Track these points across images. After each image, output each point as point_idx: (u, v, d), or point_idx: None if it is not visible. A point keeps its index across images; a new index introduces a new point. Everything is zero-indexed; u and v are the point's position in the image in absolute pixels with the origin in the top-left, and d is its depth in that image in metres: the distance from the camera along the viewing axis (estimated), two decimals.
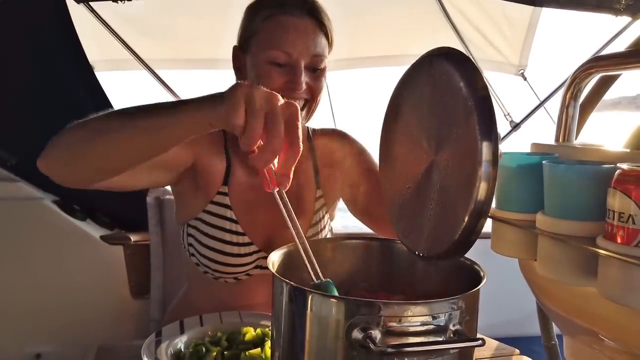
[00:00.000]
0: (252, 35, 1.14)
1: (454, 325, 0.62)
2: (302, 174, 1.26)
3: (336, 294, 0.74)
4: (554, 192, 0.68)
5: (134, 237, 1.93)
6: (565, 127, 1.09)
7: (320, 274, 0.76)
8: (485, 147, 0.62)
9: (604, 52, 2.65)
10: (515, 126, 3.01)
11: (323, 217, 1.28)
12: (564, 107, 1.09)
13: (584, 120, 1.29)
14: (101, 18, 2.41)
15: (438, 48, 0.72)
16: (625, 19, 2.47)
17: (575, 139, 1.12)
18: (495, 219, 0.78)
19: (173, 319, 1.08)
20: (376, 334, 0.58)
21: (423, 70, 0.75)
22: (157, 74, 2.67)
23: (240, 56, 1.19)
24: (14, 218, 1.90)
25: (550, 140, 1.13)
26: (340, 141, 1.33)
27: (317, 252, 0.86)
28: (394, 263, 0.86)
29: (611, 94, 1.38)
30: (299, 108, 0.73)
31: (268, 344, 0.93)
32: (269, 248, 1.18)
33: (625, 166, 0.57)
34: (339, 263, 0.86)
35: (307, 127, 1.32)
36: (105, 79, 2.26)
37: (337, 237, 1.26)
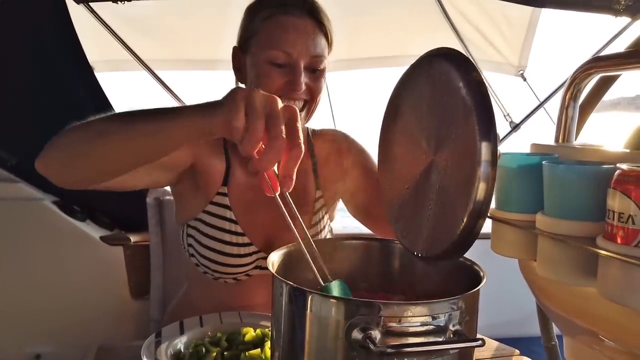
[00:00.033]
0: (252, 35, 1.14)
1: (453, 326, 0.61)
2: (301, 175, 1.26)
3: (349, 293, 0.74)
4: (554, 193, 0.68)
5: (133, 238, 1.93)
6: (565, 128, 1.09)
7: (328, 275, 0.76)
8: (484, 148, 0.62)
9: (603, 53, 2.65)
10: (515, 127, 3.01)
11: (323, 217, 1.28)
12: (564, 107, 1.09)
13: (583, 120, 1.29)
14: (101, 19, 2.41)
15: (437, 48, 0.72)
16: (624, 20, 2.48)
17: (575, 140, 1.12)
18: (495, 219, 0.78)
19: (173, 319, 1.08)
20: (376, 334, 0.58)
21: (422, 71, 0.75)
22: (156, 75, 2.67)
23: (240, 56, 1.19)
24: (13, 218, 1.90)
25: (550, 141, 1.13)
26: (340, 142, 1.33)
27: (318, 253, 0.87)
28: (393, 263, 0.86)
29: (610, 94, 1.38)
30: (297, 110, 0.73)
31: (268, 344, 0.93)
32: (269, 248, 1.18)
33: (625, 166, 0.57)
34: (338, 263, 0.86)
35: (307, 128, 1.32)
36: (105, 79, 2.26)
37: (337, 237, 1.26)
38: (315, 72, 1.14)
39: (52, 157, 0.89)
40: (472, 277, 0.71)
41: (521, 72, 3.13)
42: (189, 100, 2.67)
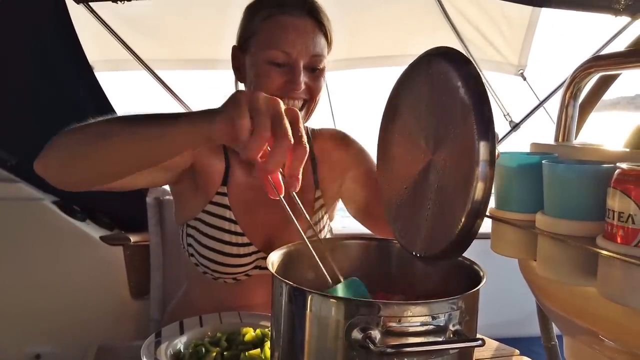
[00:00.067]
0: (252, 35, 1.14)
1: (453, 326, 0.61)
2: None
3: (365, 291, 0.73)
4: (554, 192, 0.68)
5: (133, 238, 1.93)
6: (564, 127, 1.09)
7: (339, 275, 0.75)
8: (483, 147, 0.61)
9: (603, 52, 2.65)
10: (515, 126, 3.01)
11: (322, 217, 1.28)
12: (564, 106, 1.09)
13: (583, 120, 1.29)
14: (101, 18, 2.41)
15: (436, 48, 0.72)
16: (624, 19, 2.47)
17: (575, 139, 1.12)
18: (495, 219, 0.78)
19: (173, 319, 1.08)
20: (376, 334, 0.58)
21: (421, 70, 0.75)
22: (156, 74, 2.67)
23: (240, 56, 1.19)
24: (13, 218, 1.89)
25: (550, 140, 1.13)
26: (339, 141, 1.32)
27: (317, 253, 0.86)
28: (393, 263, 0.86)
29: (610, 94, 1.38)
30: (299, 112, 0.73)
31: (268, 344, 0.93)
32: (269, 248, 1.18)
33: (624, 166, 0.57)
34: (338, 263, 0.86)
35: (307, 128, 1.31)
36: (105, 79, 2.26)
37: (337, 237, 1.26)
38: (315, 71, 1.14)
39: (52, 158, 0.88)
40: (472, 277, 0.71)
41: (521, 71, 3.13)
42: (189, 100, 2.68)
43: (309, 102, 1.16)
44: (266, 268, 0.73)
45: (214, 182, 1.20)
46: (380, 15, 2.94)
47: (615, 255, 0.56)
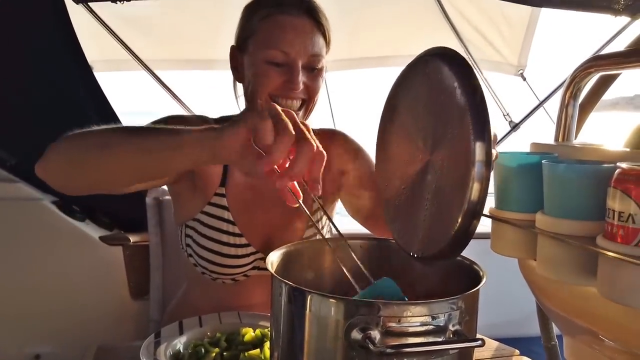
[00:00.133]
0: (250, 35, 1.14)
1: (453, 326, 0.61)
2: None
3: (399, 291, 0.73)
4: (554, 192, 0.68)
5: (133, 238, 1.93)
6: (564, 127, 1.09)
7: (368, 275, 0.75)
8: (479, 148, 0.61)
9: (603, 52, 2.65)
10: (515, 126, 3.01)
11: (321, 217, 1.28)
12: (564, 106, 1.09)
13: (583, 120, 1.29)
14: (100, 19, 2.41)
15: (433, 48, 0.72)
16: (624, 19, 2.47)
17: (575, 139, 1.12)
18: (495, 218, 0.78)
19: (172, 320, 1.08)
20: (375, 334, 0.58)
21: (419, 70, 0.75)
22: (155, 74, 2.67)
23: (238, 56, 1.19)
24: (12, 219, 1.89)
25: (550, 140, 1.13)
26: (338, 141, 1.32)
27: (316, 252, 0.86)
28: (393, 263, 0.86)
29: (609, 94, 1.38)
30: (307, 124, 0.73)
31: (267, 344, 0.93)
32: (267, 249, 1.18)
33: (625, 165, 0.57)
34: (338, 263, 0.86)
35: None
36: (104, 79, 2.26)
37: (336, 237, 1.25)
38: (313, 71, 1.14)
39: (52, 162, 0.89)
40: (471, 276, 0.71)
41: (521, 71, 3.13)
42: (188, 100, 2.68)
43: (308, 102, 1.16)
44: (264, 268, 0.73)
45: (212, 183, 1.20)
46: (380, 16, 2.94)
47: (615, 255, 0.56)
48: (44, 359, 1.93)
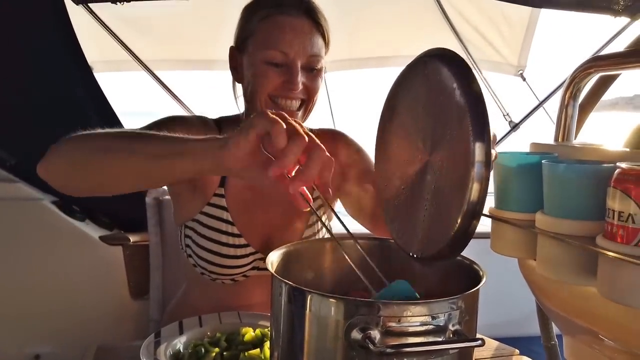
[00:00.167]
0: (249, 35, 1.14)
1: (453, 326, 0.61)
2: None
3: (413, 291, 0.73)
4: (554, 192, 0.68)
5: (133, 238, 1.93)
6: (564, 127, 1.10)
7: (382, 277, 0.75)
8: (478, 148, 0.61)
9: (602, 52, 2.65)
10: (515, 126, 3.01)
11: (321, 217, 1.28)
12: (563, 106, 1.09)
13: (583, 120, 1.30)
14: (100, 19, 2.41)
15: (432, 49, 0.72)
16: (624, 20, 2.48)
17: (575, 139, 1.12)
18: (494, 218, 0.78)
19: (172, 320, 1.08)
20: (375, 334, 0.58)
21: (418, 71, 0.75)
22: (155, 75, 2.67)
23: (237, 56, 1.19)
24: (12, 218, 1.89)
25: (550, 140, 1.13)
26: (337, 141, 1.32)
27: (316, 252, 0.86)
28: (393, 263, 0.86)
29: (609, 94, 1.38)
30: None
31: (267, 344, 0.93)
32: (266, 249, 1.18)
33: (624, 165, 0.57)
34: (338, 263, 0.86)
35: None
36: (104, 79, 2.26)
37: (336, 237, 1.25)
38: (313, 71, 1.14)
39: (53, 164, 0.89)
40: (471, 276, 0.71)
41: (520, 71, 3.13)
42: (187, 100, 2.68)
43: (307, 102, 1.16)
44: (264, 269, 0.73)
45: (211, 183, 1.20)
46: (379, 16, 2.94)
47: (615, 254, 0.56)
48: (43, 358, 1.93)
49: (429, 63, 0.72)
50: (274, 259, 0.76)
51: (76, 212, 1.94)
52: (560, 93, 1.12)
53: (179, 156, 0.76)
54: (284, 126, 0.69)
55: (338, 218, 0.82)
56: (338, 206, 1.38)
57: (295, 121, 0.71)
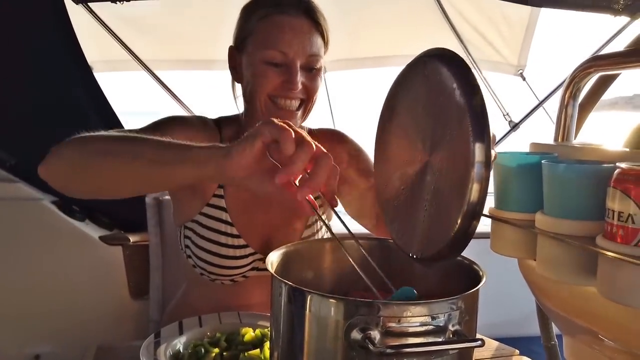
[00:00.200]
0: (248, 35, 1.14)
1: (453, 326, 0.61)
2: None
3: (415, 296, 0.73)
4: (554, 192, 0.68)
5: (133, 238, 1.93)
6: (564, 127, 1.10)
7: (387, 281, 0.75)
8: (478, 149, 0.61)
9: (602, 52, 2.65)
10: (514, 126, 3.01)
11: (323, 219, 1.27)
12: (563, 106, 1.09)
13: (583, 119, 1.30)
14: (100, 19, 2.41)
15: (431, 49, 0.72)
16: (624, 19, 2.48)
17: (575, 139, 1.12)
18: (494, 218, 0.78)
19: (171, 320, 1.08)
20: (375, 334, 0.58)
21: (418, 71, 0.75)
22: (155, 75, 2.67)
23: (236, 56, 1.19)
24: (12, 218, 1.89)
25: (549, 140, 1.13)
26: (337, 141, 1.32)
27: (316, 252, 0.86)
28: (392, 263, 0.86)
29: (608, 94, 1.38)
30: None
31: (267, 344, 0.93)
32: (266, 250, 1.18)
33: (624, 165, 0.57)
34: (337, 263, 0.86)
35: (304, 127, 1.31)
36: (104, 79, 2.26)
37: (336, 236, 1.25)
38: (312, 71, 1.14)
39: (54, 165, 0.89)
40: (471, 276, 0.71)
41: (520, 71, 3.12)
42: (187, 100, 2.68)
43: (306, 102, 1.15)
44: (263, 269, 0.73)
45: (211, 184, 1.20)
46: (379, 16, 2.94)
47: (615, 255, 0.56)
48: (43, 358, 1.93)
49: (429, 63, 0.72)
50: (273, 259, 0.76)
51: (76, 212, 1.94)
52: (560, 93, 1.12)
53: (180, 163, 0.76)
54: (293, 133, 0.69)
55: (339, 218, 0.82)
56: (338, 206, 1.38)
57: (300, 130, 0.71)
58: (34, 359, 1.92)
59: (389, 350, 0.57)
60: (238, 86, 1.23)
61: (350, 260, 0.73)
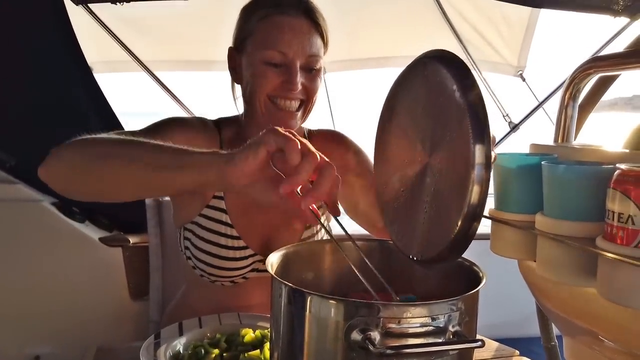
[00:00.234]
0: (248, 35, 1.14)
1: (453, 327, 0.61)
2: None
3: None
4: (553, 193, 0.68)
5: (132, 239, 1.93)
6: (564, 128, 1.10)
7: (386, 285, 0.75)
8: (478, 150, 0.61)
9: (602, 53, 2.65)
10: (514, 127, 3.01)
11: (324, 212, 1.27)
12: (563, 107, 1.09)
13: (582, 120, 1.30)
14: (100, 20, 2.41)
15: (431, 50, 0.72)
16: (623, 20, 2.48)
17: (574, 140, 1.12)
18: (494, 220, 0.78)
19: (171, 321, 1.08)
20: (375, 335, 0.58)
21: (418, 72, 0.75)
22: (155, 76, 2.67)
23: (236, 57, 1.19)
24: (12, 220, 1.89)
25: (549, 141, 1.13)
26: (336, 142, 1.32)
27: (315, 254, 0.86)
28: (392, 264, 0.86)
29: (607, 95, 1.38)
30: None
31: (267, 345, 0.93)
32: (266, 251, 1.17)
33: (624, 166, 0.57)
34: (337, 264, 0.86)
35: (304, 128, 1.31)
36: (104, 80, 2.26)
37: (336, 238, 1.26)
38: (312, 71, 1.14)
39: (53, 167, 0.89)
40: (471, 277, 0.71)
41: (520, 72, 3.13)
42: (187, 101, 2.68)
43: (306, 103, 1.15)
44: (263, 270, 0.73)
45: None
46: (379, 17, 2.94)
47: (615, 256, 0.56)
48: (43, 359, 1.93)
49: (429, 64, 0.72)
50: (273, 260, 0.76)
51: (76, 214, 1.94)
52: (559, 93, 1.11)
53: (180, 169, 0.76)
54: (298, 144, 0.69)
55: (339, 224, 0.82)
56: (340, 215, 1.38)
57: (303, 139, 0.72)
58: (34, 359, 1.92)
59: (389, 351, 0.57)
60: (238, 87, 1.23)
61: (350, 262, 0.73)
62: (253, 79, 1.12)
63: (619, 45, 2.76)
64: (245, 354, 0.91)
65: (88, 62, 2.01)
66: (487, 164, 0.61)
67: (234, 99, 1.28)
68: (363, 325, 0.58)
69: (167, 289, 1.69)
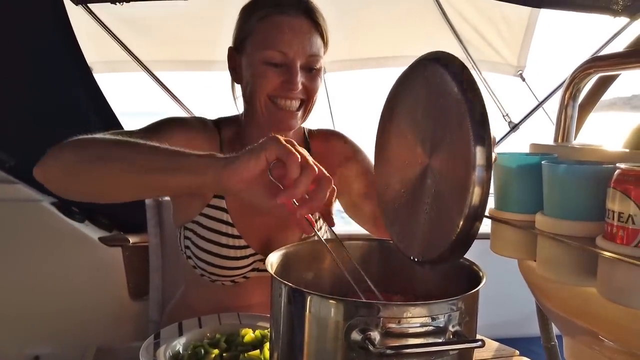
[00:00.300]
0: (248, 35, 1.14)
1: (453, 327, 0.61)
2: None
3: None
4: (554, 193, 0.67)
5: (132, 239, 1.93)
6: (564, 128, 1.09)
7: (377, 293, 0.75)
8: (479, 152, 0.61)
9: (602, 53, 2.65)
10: (514, 127, 3.00)
11: (319, 218, 1.27)
12: (563, 107, 1.09)
13: (582, 120, 1.30)
14: (99, 20, 2.41)
15: (431, 52, 0.72)
16: (623, 20, 2.48)
17: (574, 140, 1.12)
18: (494, 219, 0.78)
19: (171, 321, 1.08)
20: (375, 335, 0.58)
21: (418, 73, 0.75)
22: (155, 76, 2.67)
23: (236, 57, 1.19)
24: (12, 220, 1.89)
25: (549, 141, 1.13)
26: (336, 142, 1.32)
27: (315, 254, 0.86)
28: (392, 264, 0.86)
29: (607, 95, 1.38)
30: None
31: (267, 345, 0.92)
32: (266, 250, 1.17)
33: (624, 166, 0.57)
34: (337, 264, 0.86)
35: (304, 128, 1.31)
36: (104, 80, 2.26)
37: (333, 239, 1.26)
38: (312, 71, 1.14)
39: (50, 167, 0.89)
40: (471, 277, 0.71)
41: (520, 72, 3.12)
42: (187, 101, 2.68)
43: (306, 103, 1.15)
44: (264, 270, 0.73)
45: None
46: (379, 17, 2.94)
47: (615, 255, 0.56)
48: (43, 359, 1.93)
49: (429, 66, 0.72)
50: (273, 260, 0.76)
51: (75, 214, 1.94)
52: (559, 93, 1.11)
53: (176, 171, 0.76)
54: (299, 156, 0.69)
55: (332, 232, 0.83)
56: (337, 206, 1.38)
57: (302, 150, 0.72)
58: (33, 359, 1.92)
59: (389, 351, 0.57)
60: (238, 87, 1.23)
61: (341, 267, 0.74)
62: (253, 79, 1.12)
63: (619, 45, 2.76)
64: (245, 354, 0.91)
65: (88, 62, 2.01)
66: (488, 165, 0.61)
67: (234, 99, 1.28)
68: (363, 325, 0.58)
69: (166, 288, 1.69)
